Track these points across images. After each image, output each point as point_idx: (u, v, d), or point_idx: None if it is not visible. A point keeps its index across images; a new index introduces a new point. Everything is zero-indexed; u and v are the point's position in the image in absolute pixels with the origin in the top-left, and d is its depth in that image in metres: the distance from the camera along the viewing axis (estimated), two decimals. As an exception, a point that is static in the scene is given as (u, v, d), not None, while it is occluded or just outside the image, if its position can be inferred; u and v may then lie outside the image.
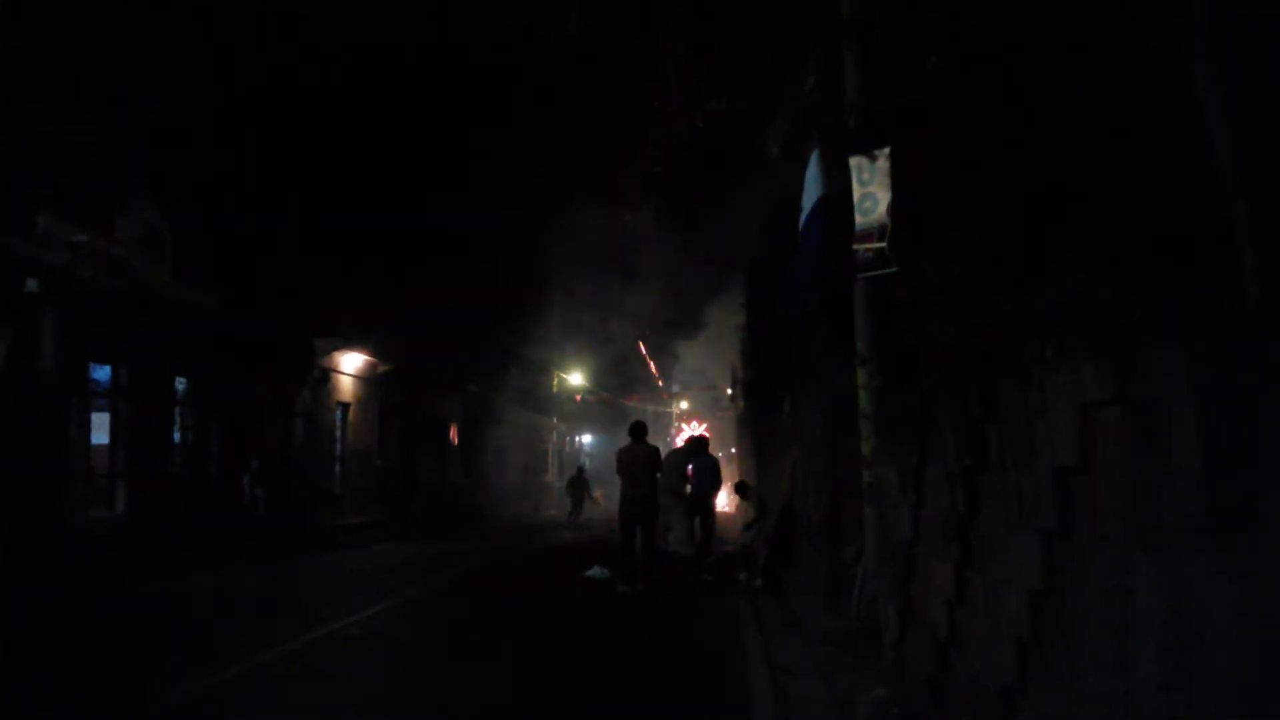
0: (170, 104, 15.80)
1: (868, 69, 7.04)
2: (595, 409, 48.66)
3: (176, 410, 16.60)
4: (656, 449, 11.75)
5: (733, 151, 9.95)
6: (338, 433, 22.12)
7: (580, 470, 27.91)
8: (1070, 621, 3.47)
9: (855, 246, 7.11)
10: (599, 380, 45.59)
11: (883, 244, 6.97)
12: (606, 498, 26.22)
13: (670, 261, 23.08)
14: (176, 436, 16.62)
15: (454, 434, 29.61)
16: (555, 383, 43.51)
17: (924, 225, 6.74)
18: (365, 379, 23.30)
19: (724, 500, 21.77)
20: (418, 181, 23.88)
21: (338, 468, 21.80)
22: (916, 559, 5.64)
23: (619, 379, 45.74)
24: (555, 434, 46.55)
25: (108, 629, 8.63)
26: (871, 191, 6.99)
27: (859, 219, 7.02)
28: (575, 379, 44.37)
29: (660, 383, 47.38)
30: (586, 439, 51.58)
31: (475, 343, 30.19)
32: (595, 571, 11.83)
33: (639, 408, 49.36)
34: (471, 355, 30.18)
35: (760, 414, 15.47)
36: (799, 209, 8.14)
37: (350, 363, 22.30)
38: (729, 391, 33.32)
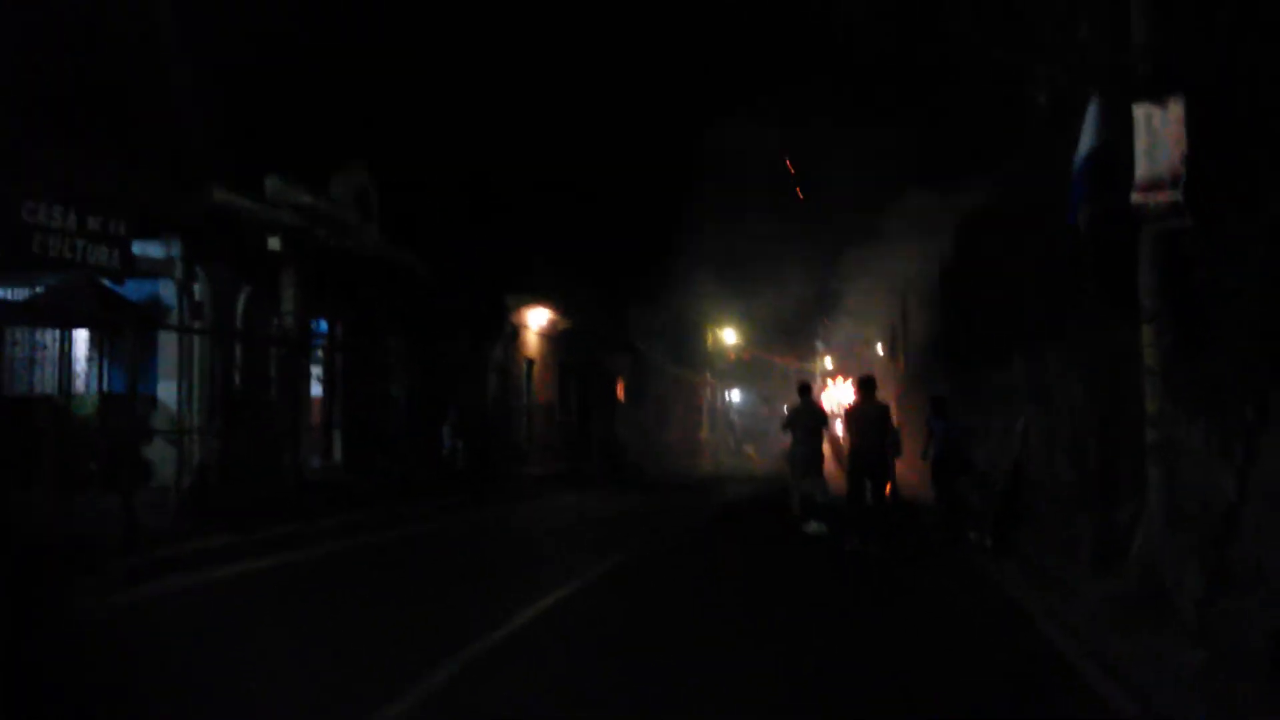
0: (370, 73, 16.52)
1: (1157, 12, 6.75)
2: (746, 365, 48.65)
3: (382, 364, 17.33)
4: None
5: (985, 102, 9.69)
6: (524, 387, 22.79)
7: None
8: None
9: (1140, 198, 6.86)
10: (751, 337, 45.53)
11: (1176, 194, 6.72)
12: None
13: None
14: (382, 389, 17.36)
15: (620, 390, 30.09)
16: (710, 339, 43.52)
17: (1231, 174, 6.47)
18: (548, 336, 23.92)
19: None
20: (592, 137, 24.32)
21: (524, 421, 22.47)
22: (1243, 519, 5.49)
23: (767, 335, 45.56)
24: (709, 390, 46.68)
25: (408, 564, 9.19)
26: (1162, 140, 6.72)
27: (1146, 168, 6.77)
28: (728, 335, 44.39)
29: (818, 337, 46.98)
30: (736, 394, 51.68)
31: (639, 299, 30.56)
32: (814, 527, 11.81)
33: (789, 366, 49.25)
34: (636, 311, 30.59)
35: (962, 372, 15.17)
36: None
37: (535, 320, 22.92)
38: (884, 349, 32.68)
